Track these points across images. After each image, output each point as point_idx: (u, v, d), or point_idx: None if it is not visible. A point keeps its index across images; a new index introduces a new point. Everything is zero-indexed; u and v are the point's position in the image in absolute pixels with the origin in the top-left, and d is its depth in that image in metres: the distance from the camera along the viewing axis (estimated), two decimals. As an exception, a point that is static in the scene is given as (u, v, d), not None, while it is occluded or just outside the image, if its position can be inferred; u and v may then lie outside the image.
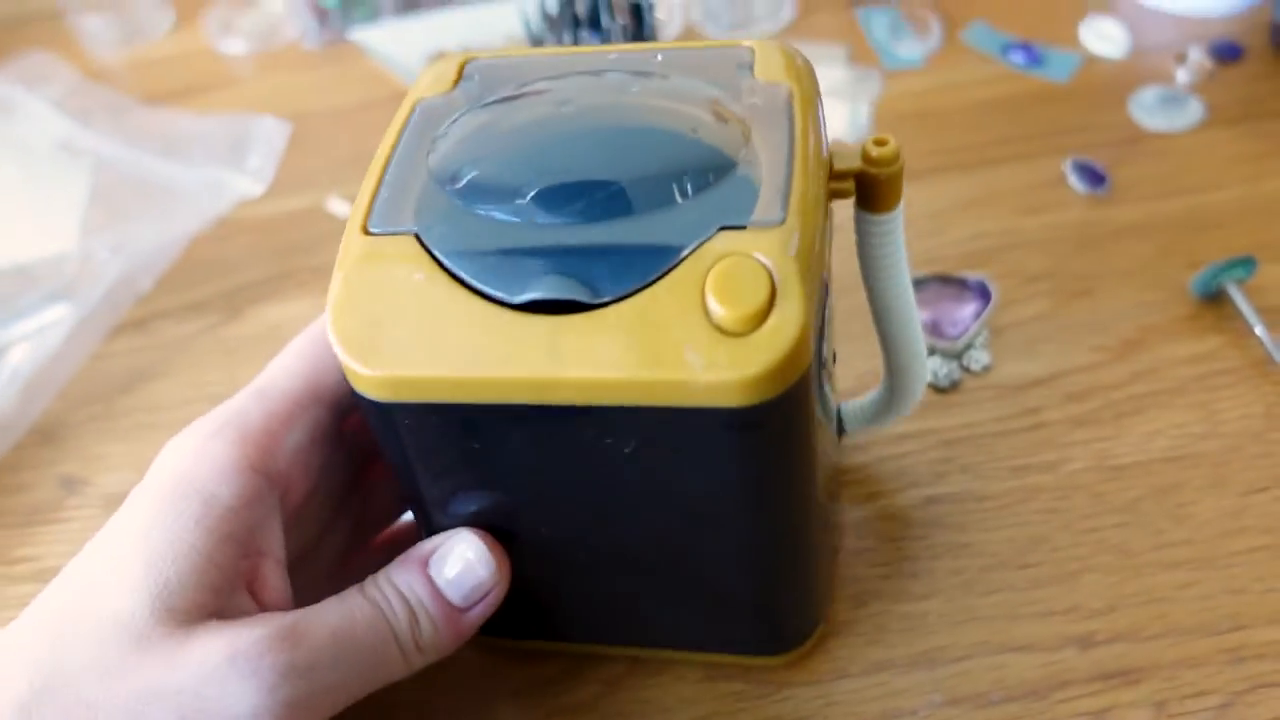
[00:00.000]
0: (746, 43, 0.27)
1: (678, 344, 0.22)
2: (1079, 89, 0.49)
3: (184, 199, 0.47)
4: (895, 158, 0.25)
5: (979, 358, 0.39)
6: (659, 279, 0.22)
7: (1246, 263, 0.39)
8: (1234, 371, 0.38)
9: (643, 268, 0.23)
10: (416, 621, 0.26)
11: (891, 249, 0.28)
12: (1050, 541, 0.34)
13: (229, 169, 0.46)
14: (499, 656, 0.33)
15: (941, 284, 0.41)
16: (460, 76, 0.28)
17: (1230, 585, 0.33)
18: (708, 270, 0.22)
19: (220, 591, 0.24)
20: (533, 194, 0.24)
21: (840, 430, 0.34)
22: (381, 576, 0.27)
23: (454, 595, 0.27)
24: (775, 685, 0.32)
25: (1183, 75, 0.48)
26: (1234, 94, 0.48)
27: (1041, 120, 0.48)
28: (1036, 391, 0.38)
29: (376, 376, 0.23)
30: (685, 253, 0.22)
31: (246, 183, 0.45)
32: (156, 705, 0.23)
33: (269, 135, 0.45)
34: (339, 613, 0.25)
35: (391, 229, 0.24)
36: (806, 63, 0.27)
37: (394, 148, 0.26)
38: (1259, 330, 0.38)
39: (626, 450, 0.24)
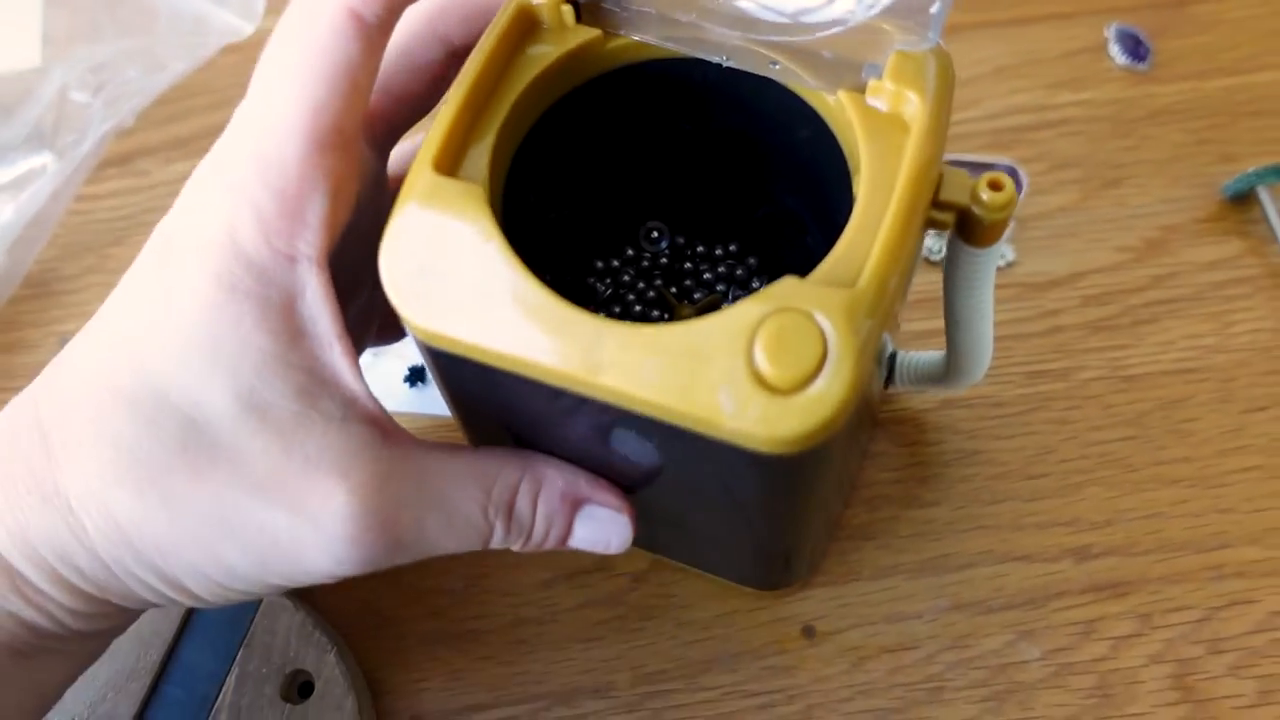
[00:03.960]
0: (892, 40, 0.24)
1: (714, 383, 0.21)
2: (1129, -66, 0.46)
3: (157, 24, 0.43)
4: (1008, 204, 0.24)
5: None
6: (715, 312, 0.22)
7: (1282, 169, 0.38)
8: (1251, 281, 0.38)
9: None
10: (527, 540, 0.26)
11: (981, 277, 0.27)
12: (1057, 452, 0.36)
13: (210, 2, 0.42)
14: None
15: (972, 170, 0.40)
16: None
17: (1220, 504, 0.35)
18: (763, 317, 0.21)
19: (306, 392, 0.23)
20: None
21: (888, 382, 0.34)
22: (524, 498, 0.26)
23: (577, 541, 0.27)
24: (793, 587, 0.34)
25: (1239, -76, 0.45)
26: (1289, -48, 0.45)
27: (1087, -29, 0.45)
28: (1056, 292, 0.39)
29: (420, 326, 0.23)
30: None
31: (232, 19, 0.41)
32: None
33: (256, -36, 0.41)
34: (440, 524, 0.25)
35: (462, 174, 0.24)
36: (945, 71, 0.24)
37: (482, 69, 0.24)
38: (1281, 238, 0.38)
39: (650, 442, 0.24)
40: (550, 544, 0.27)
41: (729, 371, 0.21)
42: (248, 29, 0.41)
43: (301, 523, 0.23)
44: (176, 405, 0.23)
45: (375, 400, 0.24)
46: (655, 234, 0.33)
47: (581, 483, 0.27)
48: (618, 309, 0.33)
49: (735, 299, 0.32)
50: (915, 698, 0.33)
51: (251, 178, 0.22)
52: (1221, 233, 0.39)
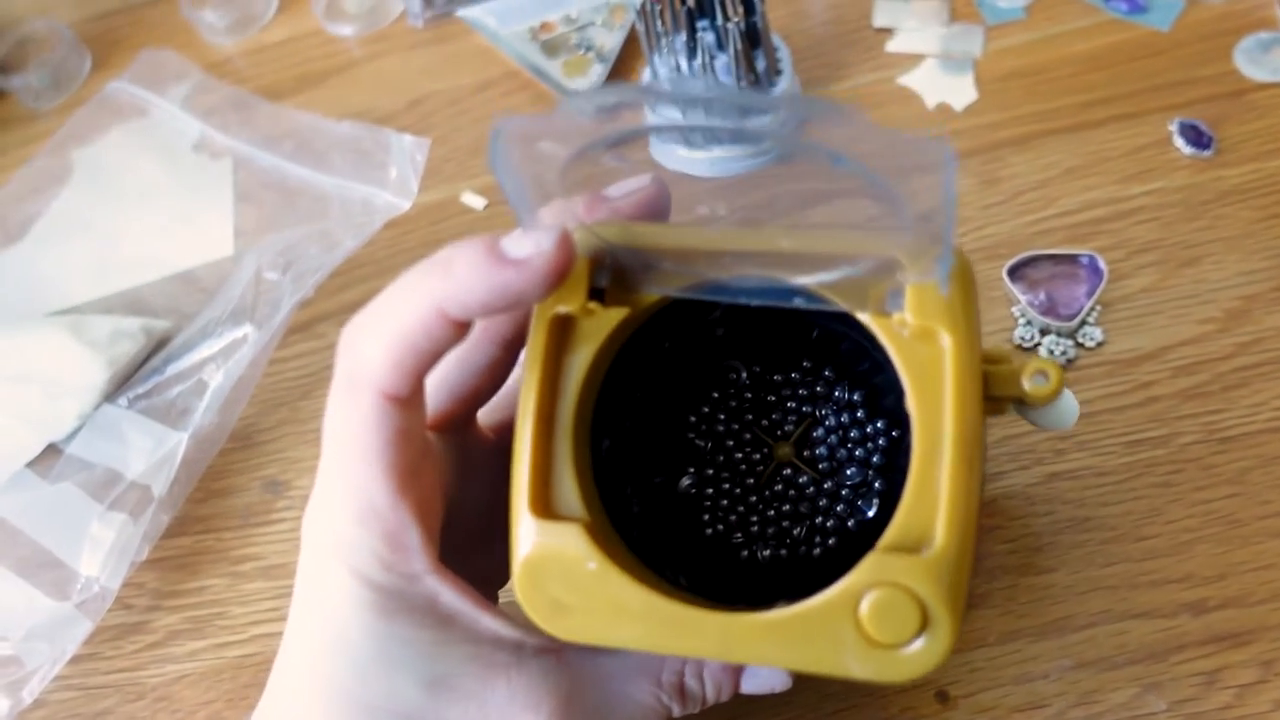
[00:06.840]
0: (897, 248, 0.26)
1: (835, 651, 0.25)
2: (1182, 37, 0.50)
3: (331, 208, 0.50)
4: (1055, 390, 0.26)
5: (1093, 334, 0.42)
6: (817, 595, 0.26)
7: (1351, 232, 0.41)
8: (1336, 339, 0.40)
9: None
10: (701, 705, 0.31)
11: (1049, 409, 0.29)
12: (1164, 514, 0.38)
13: (372, 184, 0.49)
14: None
15: (1054, 263, 0.44)
16: (591, 280, 0.28)
17: (1331, 551, 0.36)
18: (862, 593, 0.25)
19: (476, 657, 0.28)
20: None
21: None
22: (691, 678, 0.30)
23: (745, 691, 0.31)
24: (923, 656, 0.37)
25: (1286, 16, 0.49)
26: (1339, 36, 0.48)
27: (1145, 74, 0.49)
28: (1147, 365, 0.41)
29: (575, 641, 0.28)
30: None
31: (391, 198, 0.49)
32: None
33: (409, 150, 0.48)
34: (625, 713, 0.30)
35: (558, 499, 0.28)
36: (966, 283, 0.26)
37: (540, 399, 0.28)
38: (1361, 296, 0.40)
39: None
40: (723, 700, 0.31)
41: (846, 643, 0.26)
42: (405, 205, 0.48)
43: None
44: (384, 708, 0.28)
45: (537, 633, 0.28)
46: (733, 374, 0.34)
47: None
48: (722, 458, 0.33)
49: (823, 415, 0.33)
50: (1050, 753, 0.35)
51: (364, 536, 0.27)
52: (1301, 297, 0.42)
